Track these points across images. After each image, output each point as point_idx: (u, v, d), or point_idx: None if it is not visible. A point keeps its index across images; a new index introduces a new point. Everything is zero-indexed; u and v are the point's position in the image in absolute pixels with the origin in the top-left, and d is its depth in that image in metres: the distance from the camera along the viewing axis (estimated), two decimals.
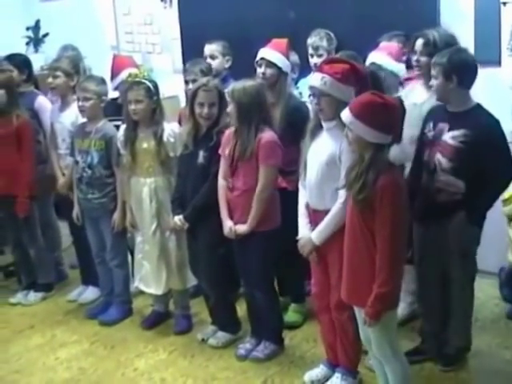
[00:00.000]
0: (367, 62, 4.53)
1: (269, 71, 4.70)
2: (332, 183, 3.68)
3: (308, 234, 3.86)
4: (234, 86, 4.20)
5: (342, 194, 3.63)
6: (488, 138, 3.77)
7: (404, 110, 3.41)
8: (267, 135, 4.13)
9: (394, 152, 3.42)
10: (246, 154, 4.12)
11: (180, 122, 4.94)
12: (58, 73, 5.24)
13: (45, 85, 5.80)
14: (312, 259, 3.92)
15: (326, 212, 3.75)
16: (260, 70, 4.74)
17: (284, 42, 4.83)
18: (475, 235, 3.99)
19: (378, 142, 3.28)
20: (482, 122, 3.81)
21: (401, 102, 3.43)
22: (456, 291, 4.03)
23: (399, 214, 3.28)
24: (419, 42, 4.21)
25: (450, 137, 3.83)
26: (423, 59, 4.19)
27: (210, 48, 5.43)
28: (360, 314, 3.49)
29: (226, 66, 5.43)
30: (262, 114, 4.16)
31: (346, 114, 3.33)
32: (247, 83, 4.19)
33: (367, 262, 3.34)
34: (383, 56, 4.51)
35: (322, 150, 3.74)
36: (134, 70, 4.93)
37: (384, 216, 3.24)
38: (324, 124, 3.77)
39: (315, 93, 3.74)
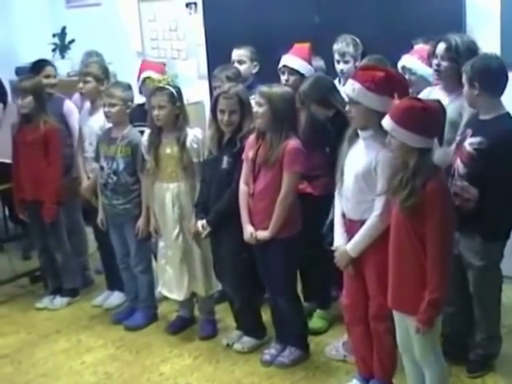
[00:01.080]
0: (399, 65, 4.51)
1: (292, 78, 4.70)
2: (368, 194, 3.65)
3: (343, 243, 3.81)
4: (270, 89, 4.16)
5: (378, 206, 3.60)
6: (503, 147, 3.74)
7: (445, 112, 3.38)
8: (293, 142, 4.11)
9: (438, 155, 3.40)
10: (270, 160, 4.10)
11: None
12: (89, 78, 5.26)
13: (68, 90, 5.87)
14: (347, 271, 3.87)
15: (362, 222, 3.71)
16: (283, 78, 4.75)
17: (306, 46, 4.82)
18: (496, 250, 3.97)
19: (421, 146, 3.25)
20: (499, 131, 3.78)
21: (440, 103, 3.39)
22: (479, 303, 4.02)
23: (449, 218, 3.27)
24: (441, 47, 4.15)
25: (468, 143, 3.81)
26: (444, 64, 4.14)
27: (238, 53, 5.42)
28: (402, 319, 3.46)
29: (254, 71, 5.42)
30: (293, 121, 4.17)
31: (386, 122, 3.31)
32: (284, 89, 4.23)
33: (414, 268, 3.31)
34: (415, 60, 4.47)
35: (358, 160, 3.69)
36: (153, 75, 4.93)
37: (435, 221, 3.21)
38: (360, 133, 3.72)
39: (348, 100, 3.71)
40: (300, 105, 4.44)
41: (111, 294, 5.50)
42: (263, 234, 4.18)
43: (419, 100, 3.36)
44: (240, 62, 5.39)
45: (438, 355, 3.48)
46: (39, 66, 5.68)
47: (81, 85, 5.33)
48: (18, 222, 6.42)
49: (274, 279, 4.29)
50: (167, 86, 4.60)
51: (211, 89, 5.42)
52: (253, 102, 4.26)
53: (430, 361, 3.45)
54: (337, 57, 5.18)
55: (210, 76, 5.69)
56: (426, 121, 3.23)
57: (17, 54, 8.00)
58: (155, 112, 4.55)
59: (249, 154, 4.22)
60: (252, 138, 4.25)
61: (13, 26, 8.17)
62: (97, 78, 5.27)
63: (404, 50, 4.66)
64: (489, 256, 3.92)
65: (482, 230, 3.84)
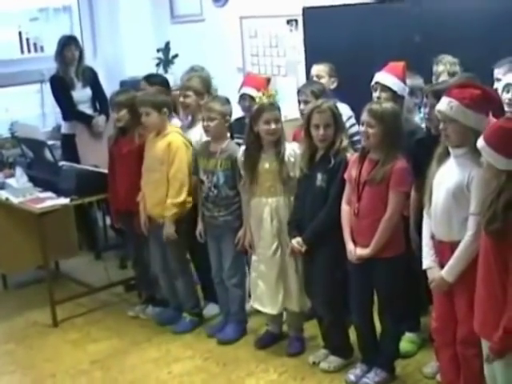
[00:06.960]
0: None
1: (384, 95, 4.66)
2: (459, 214, 3.58)
3: (433, 265, 3.75)
4: (380, 108, 4.11)
5: (472, 225, 3.52)
6: None
7: None
8: (401, 162, 4.08)
9: None
10: (376, 178, 4.07)
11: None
12: (189, 92, 5.33)
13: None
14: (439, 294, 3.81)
15: (452, 243, 3.64)
16: (375, 95, 4.70)
17: (400, 65, 4.77)
18: None
19: (508, 169, 3.14)
20: None
21: None
22: None
23: None
24: None
25: None
26: None
27: (317, 68, 5.52)
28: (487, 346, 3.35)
29: (332, 87, 5.45)
30: (401, 139, 4.13)
31: (479, 141, 3.23)
32: (392, 105, 4.20)
33: (500, 295, 3.20)
34: None
35: (449, 179, 3.63)
36: (251, 91, 4.93)
37: None
38: (452, 151, 3.66)
39: (442, 118, 3.65)
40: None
41: (207, 304, 5.51)
42: (363, 252, 4.12)
43: None
44: (318, 76, 5.47)
45: None
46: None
47: (181, 99, 5.41)
48: (118, 232, 6.56)
49: (379, 299, 4.27)
50: (275, 102, 4.63)
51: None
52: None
53: None
54: (435, 77, 5.12)
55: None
56: None
57: (123, 68, 8.23)
58: (273, 126, 4.54)
59: (351, 173, 4.19)
60: (355, 157, 4.23)
61: (119, 41, 8.44)
62: (197, 91, 5.32)
63: None
64: None
65: None
